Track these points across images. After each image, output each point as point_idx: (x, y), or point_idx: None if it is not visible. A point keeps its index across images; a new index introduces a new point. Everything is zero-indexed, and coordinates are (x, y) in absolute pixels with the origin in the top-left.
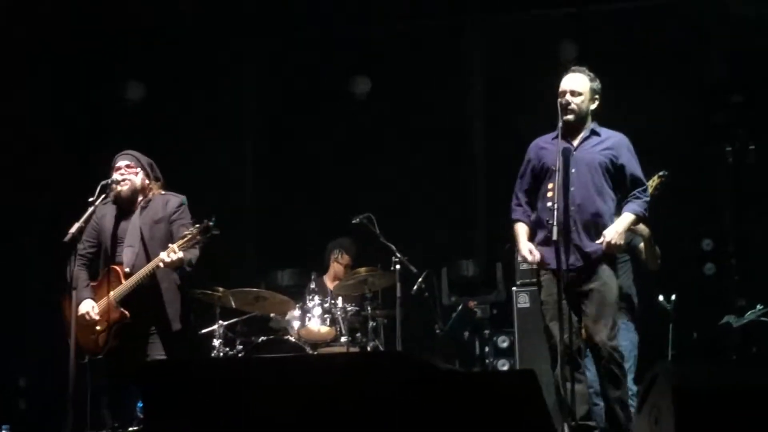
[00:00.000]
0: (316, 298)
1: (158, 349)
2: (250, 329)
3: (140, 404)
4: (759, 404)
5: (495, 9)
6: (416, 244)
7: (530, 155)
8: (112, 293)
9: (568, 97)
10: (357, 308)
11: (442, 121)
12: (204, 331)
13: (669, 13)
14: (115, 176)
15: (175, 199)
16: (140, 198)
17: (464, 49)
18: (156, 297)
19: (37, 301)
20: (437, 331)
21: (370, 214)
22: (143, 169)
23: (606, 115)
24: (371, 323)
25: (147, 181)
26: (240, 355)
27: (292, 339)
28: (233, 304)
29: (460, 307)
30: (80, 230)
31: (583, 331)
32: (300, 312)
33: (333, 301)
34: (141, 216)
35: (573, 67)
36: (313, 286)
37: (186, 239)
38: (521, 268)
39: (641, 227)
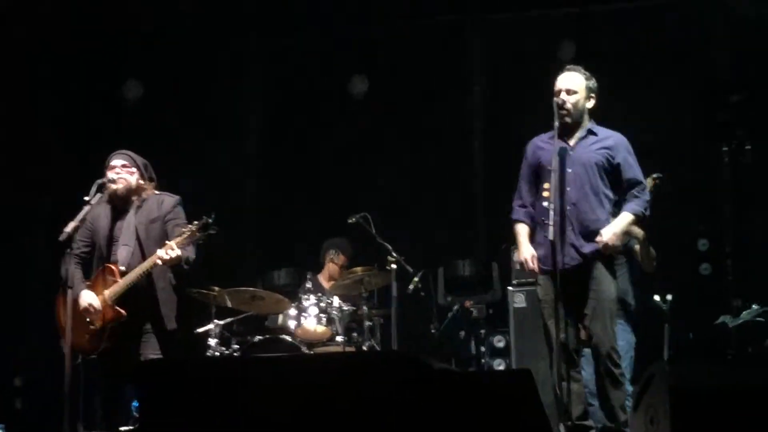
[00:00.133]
0: (312, 297)
1: (152, 348)
2: (246, 329)
3: (135, 404)
4: (755, 404)
5: (495, 9)
6: (412, 244)
7: (528, 155)
8: (107, 292)
9: (563, 95)
10: (353, 308)
11: (440, 121)
12: (200, 330)
13: (668, 13)
14: (111, 175)
15: (170, 199)
16: (135, 198)
17: (464, 49)
18: (151, 296)
19: (34, 300)
20: (433, 330)
21: (366, 214)
22: (138, 169)
23: (605, 115)
24: (367, 323)
25: (141, 181)
26: (236, 354)
27: (288, 339)
28: (229, 303)
29: (456, 307)
30: (76, 229)
31: (581, 331)
32: (296, 311)
33: (329, 301)
34: (136, 215)
35: (568, 66)
36: (309, 285)
37: (184, 236)
38: (517, 267)
39: (636, 229)
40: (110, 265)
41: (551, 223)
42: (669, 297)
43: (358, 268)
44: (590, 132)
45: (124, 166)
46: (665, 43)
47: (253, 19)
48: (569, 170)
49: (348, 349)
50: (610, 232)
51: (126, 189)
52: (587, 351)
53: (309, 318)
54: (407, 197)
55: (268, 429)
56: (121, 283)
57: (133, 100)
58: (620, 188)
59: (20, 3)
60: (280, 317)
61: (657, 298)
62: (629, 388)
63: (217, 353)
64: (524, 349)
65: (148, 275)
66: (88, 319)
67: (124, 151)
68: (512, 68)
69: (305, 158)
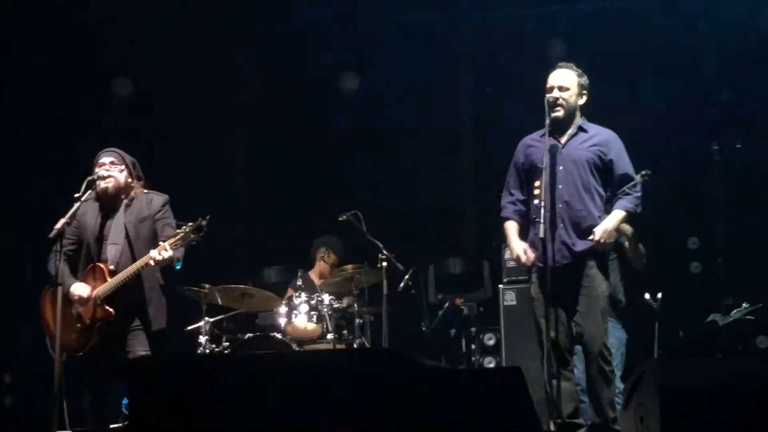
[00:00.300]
0: (303, 294)
1: (141, 344)
2: (236, 326)
3: (125, 401)
4: (744, 402)
5: (486, 6)
6: (403, 242)
7: (518, 153)
8: (96, 291)
9: (555, 92)
10: (343, 305)
11: (431, 118)
12: (190, 327)
13: (660, 12)
14: (100, 172)
15: (159, 198)
16: (123, 196)
17: (454, 46)
18: (139, 295)
19: (22, 297)
20: (424, 328)
21: (357, 212)
22: (127, 166)
23: (595, 113)
24: (358, 320)
25: (130, 179)
26: (226, 351)
27: (279, 336)
28: (219, 300)
29: (446, 305)
30: (66, 226)
31: (573, 328)
32: (286, 309)
33: (320, 298)
34: (125, 214)
35: (560, 63)
36: (299, 282)
37: (178, 237)
38: (508, 265)
39: (625, 226)
40: (99, 264)
41: (542, 220)
42: (659, 295)
43: (349, 266)
44: (581, 129)
45: (112, 163)
46: (655, 41)
47: (244, 14)
48: (560, 168)
49: (338, 346)
50: (602, 230)
51: (115, 187)
52: (579, 348)
53: (300, 315)
54: (398, 195)
55: (259, 426)
56: (111, 282)
57: (123, 97)
58: (612, 185)
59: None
60: (271, 314)
61: (647, 296)
62: (620, 385)
63: (208, 350)
64: (515, 347)
65: (136, 275)
66: (76, 315)
67: (112, 149)
68: (503, 66)
69: (296, 155)
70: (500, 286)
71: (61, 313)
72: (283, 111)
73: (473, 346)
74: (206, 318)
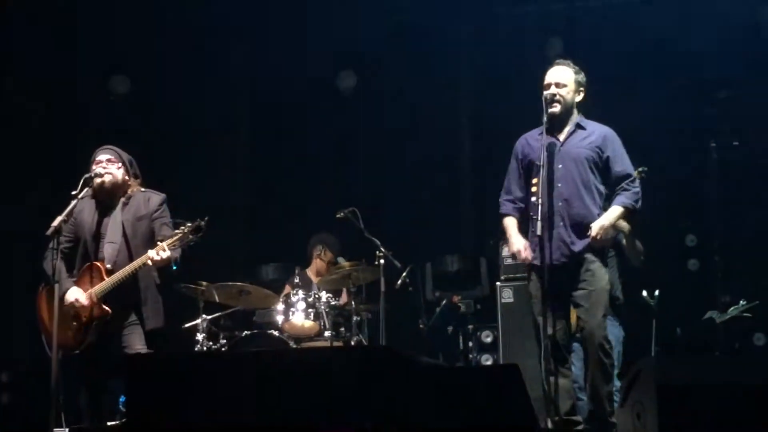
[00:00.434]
0: (300, 292)
1: (139, 340)
2: (233, 323)
3: (123, 398)
4: (741, 399)
5: (484, 4)
6: (401, 239)
7: (517, 151)
8: (94, 289)
9: (553, 89)
10: (341, 302)
11: (429, 116)
12: (187, 325)
13: (657, 8)
14: (97, 169)
15: (156, 196)
16: (120, 194)
17: (452, 44)
18: (136, 294)
19: (19, 294)
20: (421, 325)
21: (355, 209)
22: (124, 164)
23: (593, 111)
24: (355, 318)
25: (127, 177)
26: (223, 349)
27: (276, 333)
28: (217, 298)
29: (444, 302)
30: (63, 224)
31: (572, 320)
32: (284, 306)
33: (317, 296)
34: (123, 212)
35: (557, 60)
36: (297, 280)
37: (177, 237)
38: (506, 263)
39: (621, 223)
40: (96, 263)
41: (539, 218)
42: (657, 292)
43: (346, 263)
44: (579, 126)
45: (109, 160)
46: (653, 39)
47: (242, 12)
48: (559, 166)
49: (336, 344)
50: (598, 225)
51: (112, 184)
52: (577, 346)
53: (297, 313)
54: (395, 192)
55: (256, 423)
56: (108, 281)
57: (121, 95)
58: (610, 182)
59: None
60: (269, 312)
61: (645, 293)
62: (617, 383)
63: (205, 348)
64: (512, 345)
65: (133, 274)
66: (72, 314)
67: (109, 146)
68: (500, 64)
69: (294, 152)
70: (497, 283)
71: (57, 312)
72: (282, 109)
73: (470, 344)
74: (203, 315)
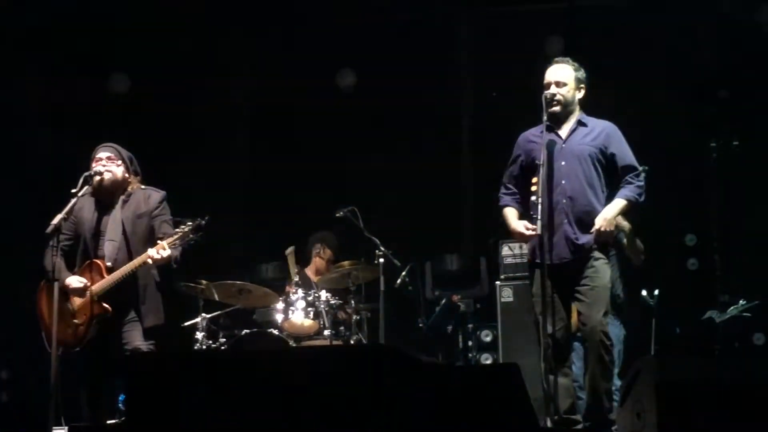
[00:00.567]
0: (300, 291)
1: (138, 337)
2: (233, 322)
3: (122, 397)
4: (740, 399)
5: (484, 2)
6: (400, 238)
7: (519, 149)
8: (94, 287)
9: (553, 88)
10: (340, 301)
11: (429, 114)
12: (187, 323)
13: (657, 8)
14: (97, 167)
15: (157, 194)
16: (120, 191)
17: (453, 42)
18: (135, 292)
19: (18, 292)
20: (420, 324)
21: (354, 208)
22: (124, 162)
23: (593, 111)
24: (355, 317)
25: (127, 175)
26: (223, 348)
27: (275, 332)
28: (216, 296)
29: (443, 301)
30: (62, 221)
31: (573, 319)
32: (283, 305)
33: (317, 294)
34: (122, 210)
35: (557, 59)
36: (296, 279)
37: (177, 236)
38: (505, 262)
39: (622, 222)
40: (96, 261)
41: (539, 216)
42: (656, 292)
43: (346, 262)
44: (581, 123)
45: (109, 158)
46: (654, 38)
47: (241, 10)
48: (563, 163)
49: (335, 342)
50: (602, 218)
51: (111, 181)
52: (577, 345)
53: (296, 312)
54: (395, 191)
55: (255, 422)
56: (108, 279)
57: (121, 92)
58: (615, 177)
59: None
60: (268, 311)
61: (644, 292)
62: (617, 382)
63: (204, 346)
64: (512, 344)
65: (133, 272)
66: (72, 311)
67: (109, 144)
68: (501, 62)
69: (293, 151)
70: (497, 282)
71: (57, 309)
72: (281, 108)
73: (470, 343)
74: (203, 314)
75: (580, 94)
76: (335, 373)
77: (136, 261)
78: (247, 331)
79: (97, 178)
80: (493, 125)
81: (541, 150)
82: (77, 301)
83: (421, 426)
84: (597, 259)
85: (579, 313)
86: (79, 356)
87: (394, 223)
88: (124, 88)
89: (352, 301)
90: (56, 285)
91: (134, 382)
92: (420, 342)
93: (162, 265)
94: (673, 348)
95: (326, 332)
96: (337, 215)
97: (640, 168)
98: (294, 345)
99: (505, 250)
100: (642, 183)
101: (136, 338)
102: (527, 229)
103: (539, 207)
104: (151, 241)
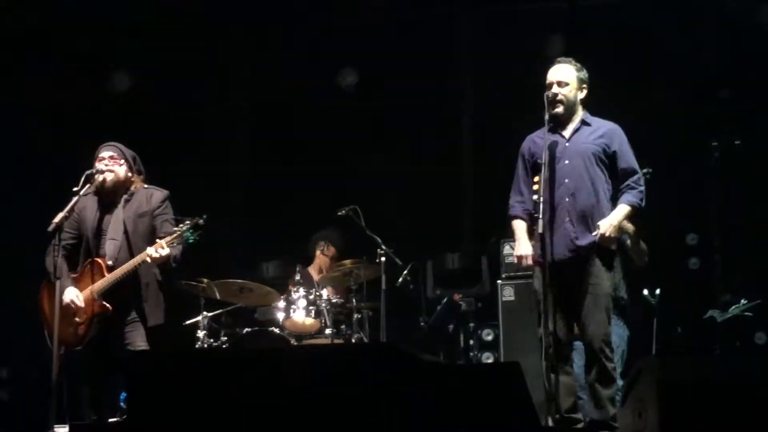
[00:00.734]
0: (301, 289)
1: (140, 337)
2: (234, 321)
3: (123, 395)
4: (742, 398)
5: (485, 2)
6: (402, 237)
7: (524, 151)
8: (94, 286)
9: (555, 88)
10: (342, 300)
11: (429, 114)
12: (188, 322)
13: (659, 7)
14: (99, 166)
15: (159, 193)
16: (123, 190)
17: (453, 42)
18: (137, 291)
19: (19, 290)
20: (422, 323)
21: (356, 206)
22: (127, 161)
23: (595, 111)
24: (356, 315)
25: (130, 174)
26: (224, 346)
27: (277, 331)
28: (218, 295)
29: (444, 300)
30: (64, 220)
31: (575, 324)
32: (285, 303)
33: (318, 293)
34: (124, 209)
35: (559, 59)
36: (298, 277)
37: (175, 236)
38: (507, 261)
39: (627, 224)
40: (97, 259)
41: (541, 216)
42: (658, 291)
43: (347, 261)
44: (584, 123)
45: (112, 157)
46: (655, 37)
47: (243, 9)
48: (566, 162)
49: (336, 341)
50: (607, 224)
51: (113, 181)
52: (578, 344)
53: (298, 310)
54: (396, 190)
55: (256, 421)
56: (108, 278)
57: (122, 92)
58: (616, 178)
59: None
60: (269, 309)
61: (646, 292)
62: (619, 382)
63: (206, 345)
64: (513, 343)
65: (133, 270)
66: (74, 310)
67: (112, 143)
68: (502, 62)
69: (293, 151)
70: (499, 281)
71: (59, 308)
72: (282, 106)
73: (471, 342)
74: (204, 312)
75: (582, 94)
76: (336, 371)
77: (135, 259)
78: (249, 329)
79: (100, 178)
80: (493, 124)
81: (544, 150)
82: (81, 297)
83: (422, 425)
84: (598, 264)
85: (580, 321)
86: (81, 355)
87: (396, 222)
88: (124, 87)
89: (354, 300)
90: (58, 284)
91: (136, 381)
92: (421, 341)
93: (161, 263)
94: (675, 347)
95: (327, 331)
96: (339, 214)
97: (642, 171)
98: (295, 344)
99: (507, 249)
100: (643, 188)
101: (137, 339)
102: (527, 257)
103: (541, 206)
104: (153, 240)
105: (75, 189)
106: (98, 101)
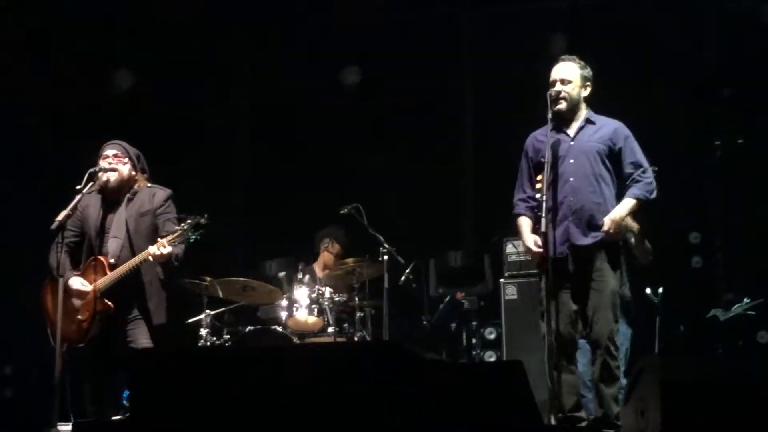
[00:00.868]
0: (304, 288)
1: (142, 335)
2: (237, 319)
3: (126, 393)
4: (744, 398)
5: (485, 2)
6: (404, 235)
7: (527, 149)
8: (97, 283)
9: (558, 86)
10: (344, 298)
11: (431, 112)
12: (191, 320)
13: (661, 6)
14: (103, 164)
15: (162, 192)
16: (127, 189)
17: (454, 41)
18: (139, 290)
19: (23, 288)
20: (424, 322)
21: (359, 205)
22: (131, 159)
23: (595, 109)
24: (359, 314)
25: (134, 172)
26: (227, 345)
27: (279, 329)
28: (220, 293)
29: (447, 299)
30: (67, 218)
31: (579, 322)
32: (287, 302)
33: (321, 291)
34: (127, 208)
35: (563, 57)
36: (300, 276)
37: (176, 234)
38: (510, 260)
39: (631, 223)
40: (100, 257)
41: (543, 214)
42: (660, 290)
43: (350, 259)
44: (588, 121)
45: (116, 156)
46: (656, 36)
47: (244, 8)
48: (571, 161)
49: (339, 339)
50: (610, 220)
51: (117, 180)
52: (582, 342)
53: (300, 309)
54: (398, 189)
55: (259, 419)
56: (110, 276)
57: (123, 90)
58: (623, 175)
59: None
60: (272, 308)
61: (648, 291)
62: (623, 381)
63: (209, 343)
64: (516, 341)
65: (135, 269)
66: (77, 307)
67: (117, 141)
68: (504, 61)
69: (294, 150)
70: (501, 280)
71: (62, 305)
72: (284, 104)
73: (474, 340)
74: (207, 311)
75: (585, 92)
76: (339, 370)
77: (137, 258)
78: (251, 328)
79: (104, 177)
80: (495, 123)
81: (546, 148)
82: (88, 285)
83: (424, 423)
84: (603, 262)
85: (586, 319)
86: (83, 353)
87: (398, 221)
88: (124, 87)
89: (356, 298)
90: (61, 281)
91: (138, 379)
92: (424, 339)
93: (163, 262)
94: (677, 346)
95: (330, 329)
96: (342, 212)
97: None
98: (298, 342)
99: (509, 248)
100: (650, 179)
101: (141, 336)
102: (537, 247)
103: (543, 205)
104: (155, 239)
105: (78, 187)
106: (98, 101)
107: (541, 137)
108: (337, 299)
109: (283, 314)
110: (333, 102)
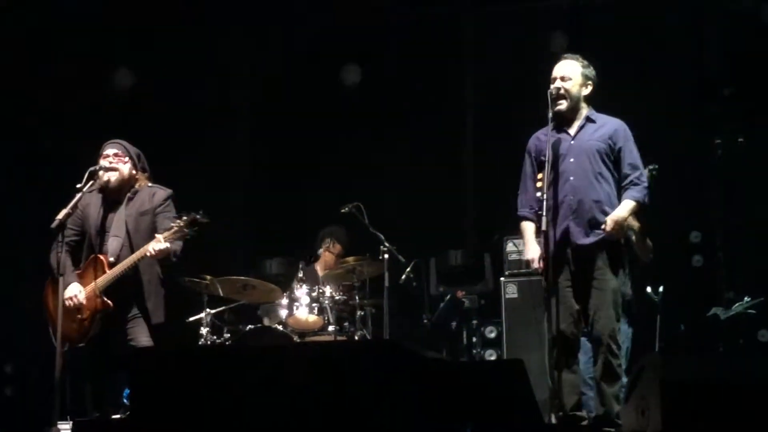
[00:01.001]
0: (304, 286)
1: (142, 333)
2: (237, 318)
3: (126, 392)
4: (745, 396)
5: (486, 1)
6: (405, 234)
7: (530, 149)
8: (97, 282)
9: (558, 83)
10: (345, 297)
11: (432, 111)
12: (191, 319)
13: (661, 5)
14: (103, 163)
15: (162, 192)
16: (127, 188)
17: (455, 40)
18: (138, 288)
19: (24, 287)
20: (425, 320)
21: (359, 203)
22: (131, 158)
23: (596, 109)
24: (359, 312)
25: (134, 172)
26: (227, 343)
27: (280, 328)
28: (221, 292)
29: (448, 297)
30: (67, 217)
31: (581, 320)
32: (288, 301)
33: (321, 290)
34: (127, 207)
35: (565, 55)
36: (300, 275)
37: (173, 231)
38: (510, 258)
39: (632, 221)
40: (100, 256)
41: (544, 213)
42: (661, 289)
43: (351, 258)
44: (589, 119)
45: (117, 155)
46: (657, 36)
47: (246, 6)
48: (571, 160)
49: (339, 338)
50: (612, 220)
51: (118, 179)
52: (583, 341)
53: (301, 307)
54: (398, 188)
55: (259, 418)
56: (110, 274)
57: (122, 92)
58: (620, 174)
59: None
60: (272, 306)
61: (649, 289)
62: (624, 379)
63: (209, 342)
64: (516, 340)
65: (134, 267)
66: (76, 307)
67: (117, 140)
68: (505, 61)
69: (298, 147)
70: (502, 279)
71: (62, 304)
72: (285, 103)
73: (474, 339)
74: (207, 309)
75: (586, 90)
76: (339, 369)
77: (136, 255)
78: (252, 326)
79: (104, 177)
80: (495, 123)
81: (547, 147)
82: (84, 292)
83: (425, 422)
84: (604, 260)
85: (588, 318)
86: (83, 352)
87: (398, 220)
88: (124, 87)
89: (357, 297)
90: (62, 280)
91: (138, 378)
92: (424, 338)
93: (162, 259)
94: (678, 345)
95: (330, 328)
96: (342, 211)
97: (649, 167)
98: (298, 341)
99: (510, 247)
100: (646, 184)
101: (141, 335)
102: (536, 260)
103: (544, 204)
104: (153, 238)
105: (78, 185)
106: (98, 101)
107: (543, 137)
108: (337, 298)
109: (284, 313)
110: (333, 102)
